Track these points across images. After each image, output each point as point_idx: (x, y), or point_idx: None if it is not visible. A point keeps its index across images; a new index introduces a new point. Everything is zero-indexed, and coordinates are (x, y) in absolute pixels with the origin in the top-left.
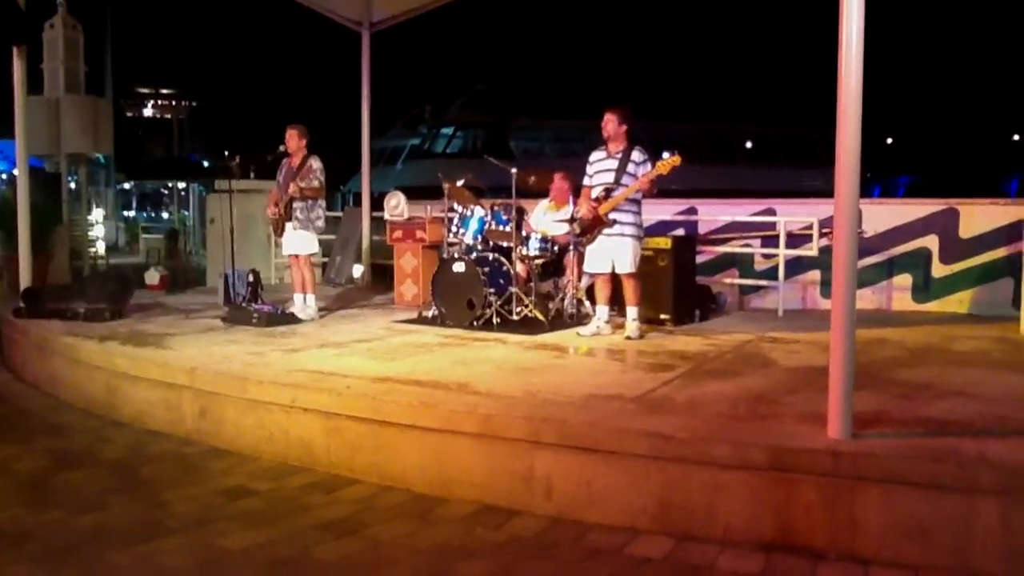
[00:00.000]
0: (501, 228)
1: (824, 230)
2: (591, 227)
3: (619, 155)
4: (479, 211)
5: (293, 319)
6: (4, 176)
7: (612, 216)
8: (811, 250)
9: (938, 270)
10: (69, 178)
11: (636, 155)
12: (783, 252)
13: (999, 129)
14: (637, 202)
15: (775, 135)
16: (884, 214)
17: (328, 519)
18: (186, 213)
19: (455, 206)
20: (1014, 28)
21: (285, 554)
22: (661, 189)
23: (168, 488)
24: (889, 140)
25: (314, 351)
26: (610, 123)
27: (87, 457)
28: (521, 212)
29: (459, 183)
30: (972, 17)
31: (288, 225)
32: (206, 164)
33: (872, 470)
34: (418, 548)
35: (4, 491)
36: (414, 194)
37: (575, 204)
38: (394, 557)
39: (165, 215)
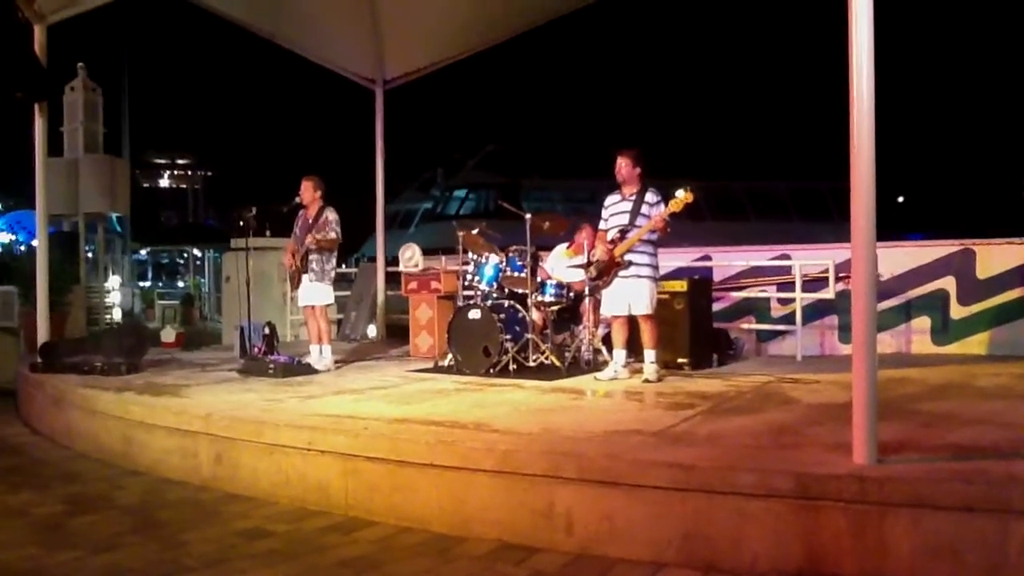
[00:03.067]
0: (516, 274)
1: (840, 274)
2: (607, 269)
3: (633, 197)
4: (494, 258)
5: (309, 370)
6: (23, 248)
7: (628, 257)
8: (828, 293)
9: (956, 311)
10: (86, 248)
11: (650, 196)
12: (800, 296)
13: (1011, 183)
14: (653, 243)
15: (785, 190)
16: (900, 257)
17: (346, 557)
18: (201, 279)
19: (470, 254)
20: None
21: None
22: (674, 235)
23: (185, 530)
24: (900, 199)
25: (331, 398)
26: (624, 167)
27: (103, 502)
28: (536, 258)
29: (474, 231)
30: (981, 73)
31: (304, 277)
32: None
33: (899, 494)
34: None
35: (20, 533)
36: (429, 256)
37: (590, 251)
38: None
39: (180, 284)
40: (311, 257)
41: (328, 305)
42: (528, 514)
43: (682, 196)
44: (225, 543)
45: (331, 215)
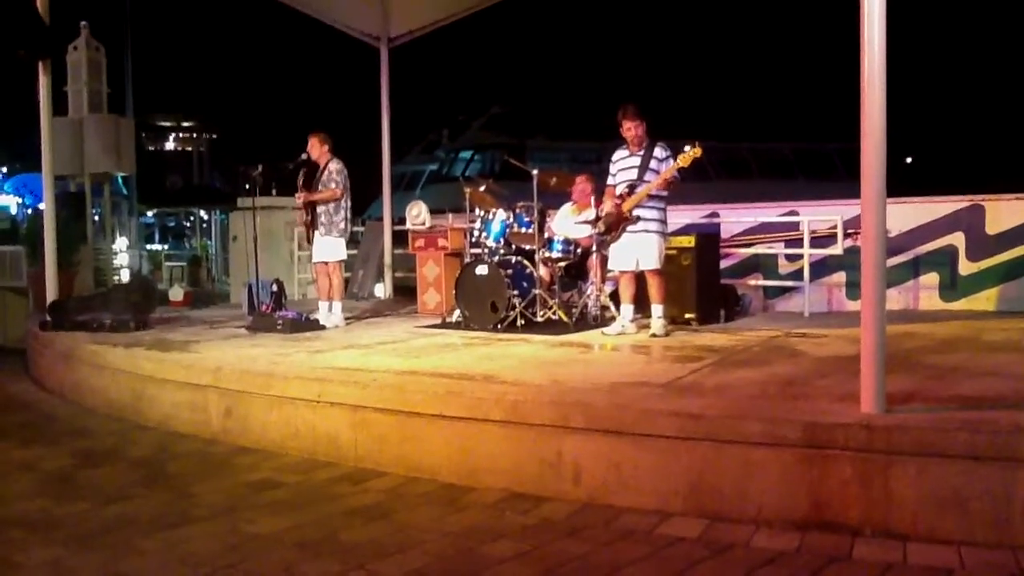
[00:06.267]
0: (523, 231)
1: (849, 231)
2: (615, 224)
3: (641, 152)
4: (501, 214)
5: (317, 326)
6: (30, 211)
7: (636, 212)
8: (836, 249)
9: (965, 267)
10: (93, 211)
11: (658, 151)
12: (808, 252)
13: (1021, 145)
14: (662, 198)
15: (791, 150)
16: (909, 212)
17: (355, 506)
18: (208, 242)
19: (477, 210)
20: None
21: (312, 537)
22: (679, 195)
23: (194, 482)
24: (909, 159)
25: (339, 352)
26: (633, 128)
27: (113, 456)
28: (543, 214)
29: (480, 188)
30: (993, 33)
31: (315, 233)
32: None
33: (907, 443)
34: (446, 531)
35: (31, 486)
36: (435, 215)
37: (598, 206)
38: (421, 539)
39: (187, 246)
40: (318, 211)
41: (341, 261)
42: (536, 464)
43: (690, 151)
44: (235, 494)
45: (333, 166)
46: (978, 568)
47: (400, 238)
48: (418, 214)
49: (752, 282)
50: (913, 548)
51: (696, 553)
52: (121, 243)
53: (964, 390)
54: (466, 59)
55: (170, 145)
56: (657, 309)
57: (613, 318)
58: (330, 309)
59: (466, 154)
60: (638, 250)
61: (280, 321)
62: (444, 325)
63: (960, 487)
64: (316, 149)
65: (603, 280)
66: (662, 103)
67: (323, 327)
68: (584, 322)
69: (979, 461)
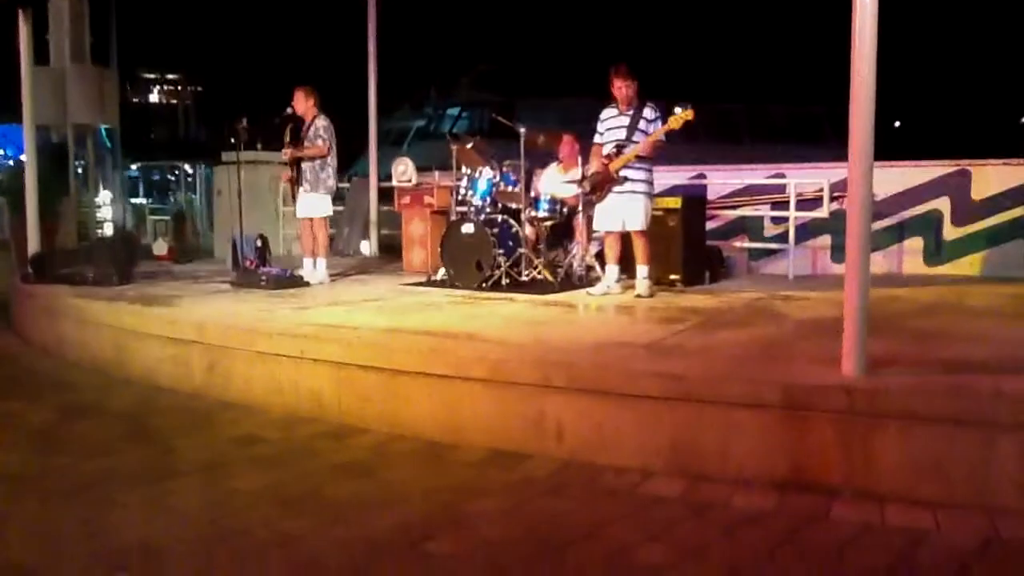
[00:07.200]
0: (510, 189)
1: (835, 194)
2: (602, 184)
3: (631, 112)
4: (487, 173)
5: (301, 282)
6: (11, 163)
7: (623, 173)
8: (822, 213)
9: (950, 232)
10: (76, 164)
11: (648, 112)
12: (793, 215)
13: (1009, 111)
14: (649, 159)
15: (780, 113)
16: (896, 177)
17: (338, 463)
18: (193, 195)
19: (463, 168)
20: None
21: (296, 493)
22: (670, 156)
23: (177, 437)
24: (897, 123)
25: (323, 308)
26: (624, 87)
27: (95, 410)
28: (530, 172)
29: (468, 145)
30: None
31: (300, 189)
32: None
33: (887, 406)
34: (430, 487)
35: (12, 440)
36: (422, 172)
37: (584, 166)
38: (405, 495)
39: (172, 200)
40: (304, 167)
41: (326, 217)
42: (519, 422)
43: (681, 113)
44: (217, 449)
45: (319, 122)
46: (954, 531)
47: (386, 195)
48: (404, 171)
49: (737, 244)
50: (891, 509)
51: (677, 512)
52: (105, 196)
53: (946, 354)
54: (455, 14)
55: (155, 98)
56: (642, 270)
57: (598, 278)
58: (315, 266)
59: (454, 111)
60: (624, 210)
61: (264, 277)
62: (429, 283)
63: (940, 451)
64: (301, 103)
65: (589, 240)
66: (652, 62)
67: (307, 284)
68: (569, 282)
69: (959, 425)
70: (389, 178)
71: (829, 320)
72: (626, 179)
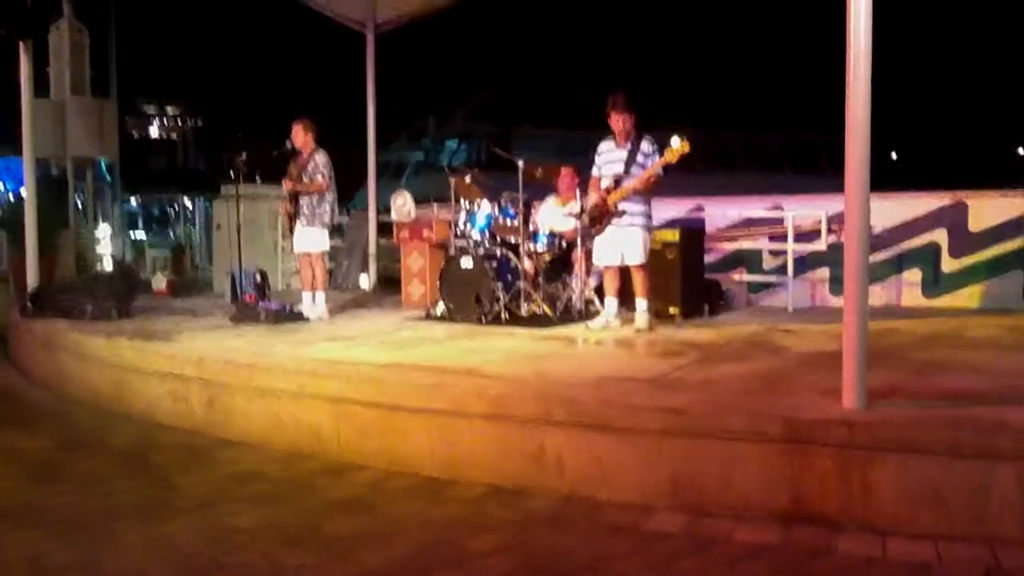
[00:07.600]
0: (509, 223)
1: (832, 226)
2: (600, 217)
3: (628, 145)
4: (486, 206)
5: (300, 317)
6: (12, 197)
7: (621, 206)
8: (820, 245)
9: (948, 264)
10: (76, 196)
11: (645, 146)
12: (792, 247)
13: (1004, 142)
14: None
15: (777, 142)
16: (893, 208)
17: (338, 499)
18: (192, 228)
19: (462, 201)
20: (1019, 42)
21: (295, 530)
22: (668, 186)
23: (177, 474)
24: (894, 155)
25: (323, 343)
26: (621, 121)
27: (96, 446)
28: (528, 205)
29: (466, 178)
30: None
31: (298, 223)
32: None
33: (888, 439)
34: (429, 523)
35: (13, 474)
36: (420, 206)
37: (583, 198)
38: (404, 530)
39: (171, 234)
40: (301, 201)
41: (324, 252)
42: (519, 458)
43: (677, 146)
44: (217, 486)
45: (319, 158)
46: (956, 562)
47: (385, 228)
48: (403, 203)
49: (736, 277)
50: (892, 543)
51: (679, 546)
52: (104, 230)
53: (946, 386)
54: (453, 46)
55: (155, 132)
56: (641, 304)
57: (597, 312)
58: (313, 300)
59: (452, 143)
60: (623, 244)
61: (263, 312)
62: (428, 317)
63: (939, 484)
64: (300, 137)
65: (588, 273)
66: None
67: (306, 318)
68: (568, 316)
69: (959, 457)
70: (388, 210)
71: (829, 353)
72: (624, 212)
